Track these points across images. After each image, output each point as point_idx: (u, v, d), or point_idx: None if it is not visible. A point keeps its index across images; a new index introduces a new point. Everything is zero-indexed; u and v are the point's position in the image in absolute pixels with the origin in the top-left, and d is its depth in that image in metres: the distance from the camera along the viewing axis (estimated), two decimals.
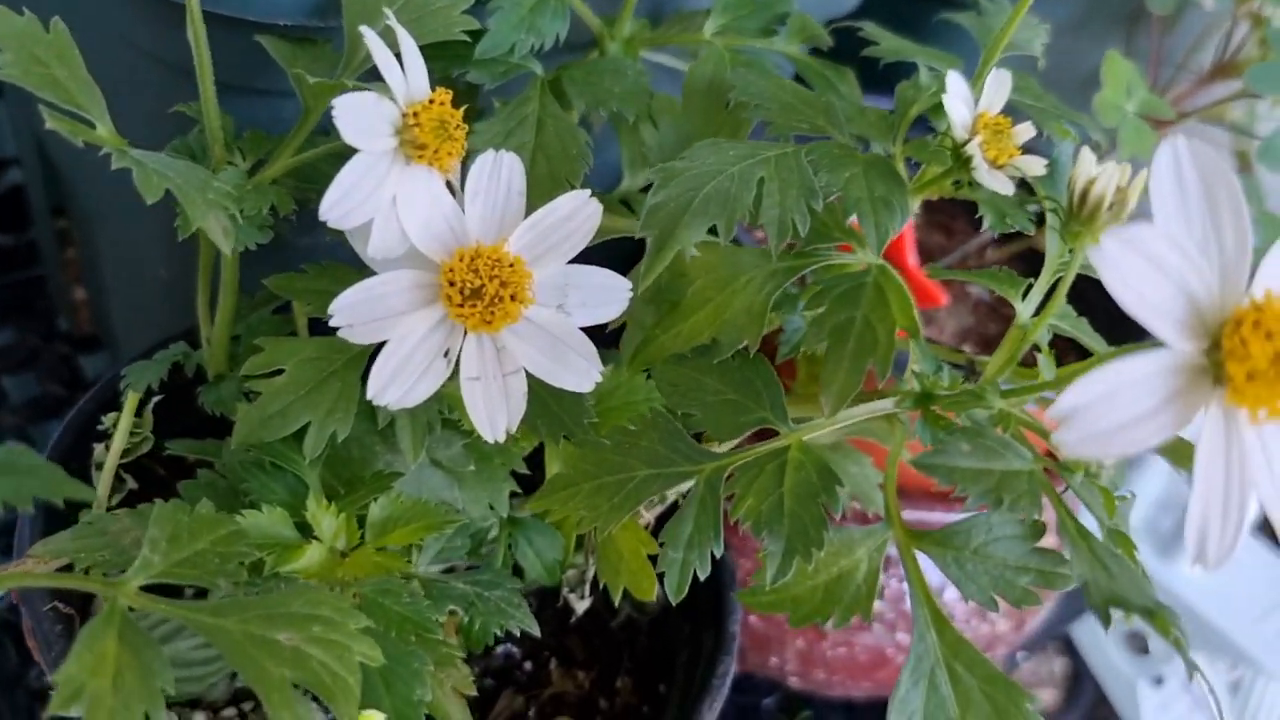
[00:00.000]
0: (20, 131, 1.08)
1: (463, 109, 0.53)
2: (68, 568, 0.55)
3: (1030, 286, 0.57)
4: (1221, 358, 0.38)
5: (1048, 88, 0.70)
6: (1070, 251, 0.50)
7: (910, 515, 0.82)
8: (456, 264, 0.52)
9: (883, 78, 0.76)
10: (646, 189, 0.77)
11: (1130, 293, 0.37)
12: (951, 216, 1.03)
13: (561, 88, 0.65)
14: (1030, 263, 0.99)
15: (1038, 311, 0.56)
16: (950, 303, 0.93)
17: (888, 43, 0.66)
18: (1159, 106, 0.84)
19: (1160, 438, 0.38)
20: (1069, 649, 1.21)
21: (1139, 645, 1.20)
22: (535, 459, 0.68)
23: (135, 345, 1.00)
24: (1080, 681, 1.19)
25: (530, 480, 0.68)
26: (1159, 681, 1.18)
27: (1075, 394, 0.38)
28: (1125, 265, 0.37)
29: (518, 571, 0.68)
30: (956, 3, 0.97)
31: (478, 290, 0.52)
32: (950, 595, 0.88)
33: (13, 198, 1.18)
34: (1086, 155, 0.49)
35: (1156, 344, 0.39)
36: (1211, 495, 0.39)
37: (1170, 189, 0.39)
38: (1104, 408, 0.38)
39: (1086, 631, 1.20)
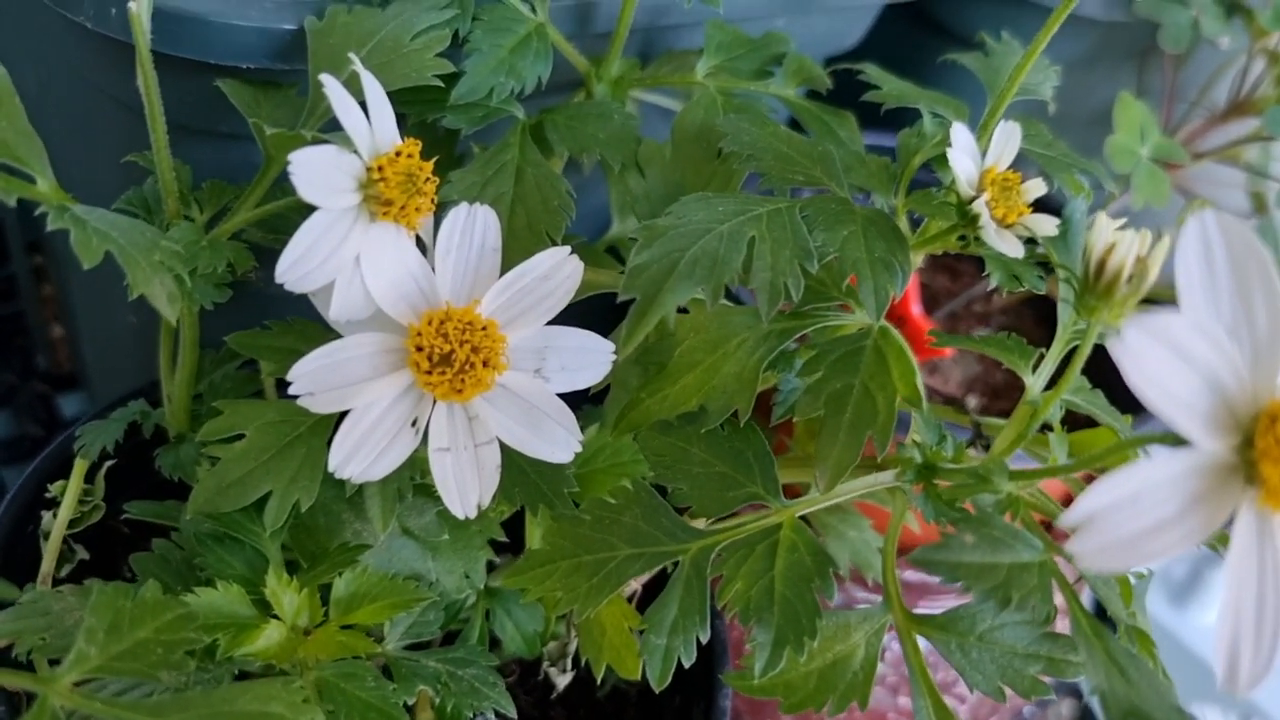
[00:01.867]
0: None
1: (433, 161, 0.50)
2: (7, 650, 0.51)
3: (1041, 357, 0.53)
4: (1254, 456, 0.35)
5: (1055, 125, 0.67)
6: (1086, 323, 0.47)
7: (914, 576, 0.78)
8: (425, 328, 0.49)
9: (885, 115, 0.72)
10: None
11: (1154, 388, 0.33)
12: (957, 258, 0.99)
13: (543, 133, 0.61)
14: (1040, 309, 0.96)
15: (1049, 384, 0.52)
16: (955, 351, 0.90)
17: (890, 86, 0.63)
18: (1173, 150, 0.80)
19: (1186, 546, 0.34)
20: (1075, 692, 1.17)
21: None
22: (514, 523, 0.64)
23: (110, 387, 0.97)
24: None
25: (510, 547, 0.65)
26: None
27: (1093, 499, 0.34)
28: (1149, 358, 0.33)
29: (495, 642, 0.64)
30: (962, 39, 0.94)
31: (447, 356, 0.48)
32: None
33: None
34: (1104, 222, 0.45)
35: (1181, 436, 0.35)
36: (1243, 609, 0.35)
37: (1198, 269, 0.35)
38: (1125, 513, 0.34)
39: None
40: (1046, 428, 0.52)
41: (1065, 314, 0.52)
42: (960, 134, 0.52)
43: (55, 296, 1.08)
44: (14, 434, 1.08)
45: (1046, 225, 0.52)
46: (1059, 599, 0.50)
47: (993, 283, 0.57)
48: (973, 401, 0.89)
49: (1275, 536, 0.35)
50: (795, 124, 0.68)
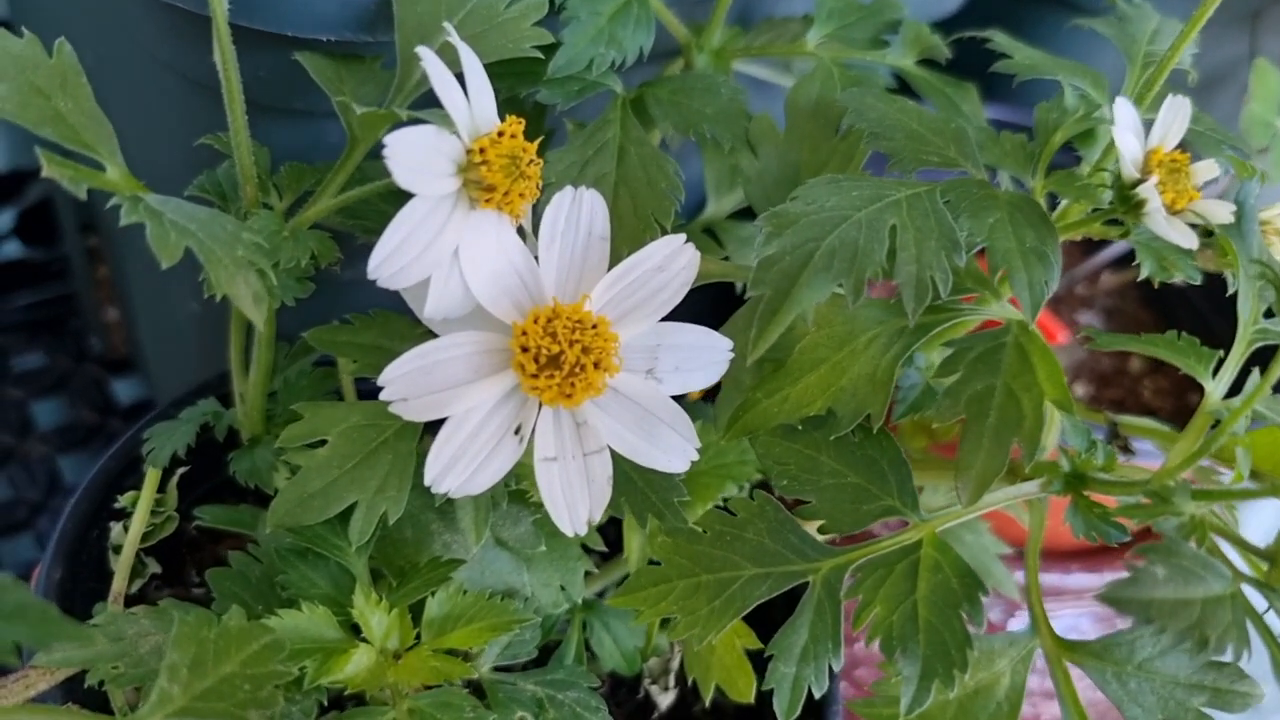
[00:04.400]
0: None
1: (536, 142, 0.45)
2: (78, 678, 0.47)
3: (1221, 361, 0.48)
4: None
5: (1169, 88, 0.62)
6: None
7: (1042, 580, 0.73)
8: (530, 326, 0.44)
9: (995, 89, 0.67)
10: (736, 215, 0.69)
11: None
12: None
13: (645, 108, 0.56)
14: (1147, 291, 0.91)
15: (1231, 391, 0.47)
16: (1065, 336, 0.85)
17: (1021, 56, 0.57)
18: None
19: None
20: None
21: None
22: (610, 525, 0.59)
23: (168, 371, 0.93)
24: None
25: (605, 551, 0.60)
26: None
27: None
28: None
29: (591, 656, 0.60)
30: (1068, 3, 0.88)
31: (555, 358, 0.44)
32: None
33: (42, 210, 1.11)
34: None
35: None
36: None
37: None
38: None
39: None
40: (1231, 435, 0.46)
41: (1246, 310, 0.47)
42: (1124, 109, 0.47)
43: (110, 279, 1.04)
44: (68, 420, 1.05)
45: (1221, 212, 0.47)
46: None
47: (1143, 272, 0.52)
48: (1079, 390, 0.84)
49: None
50: (903, 89, 0.63)
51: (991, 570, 0.64)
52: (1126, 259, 0.51)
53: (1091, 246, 0.89)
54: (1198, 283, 0.51)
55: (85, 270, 1.05)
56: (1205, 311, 0.86)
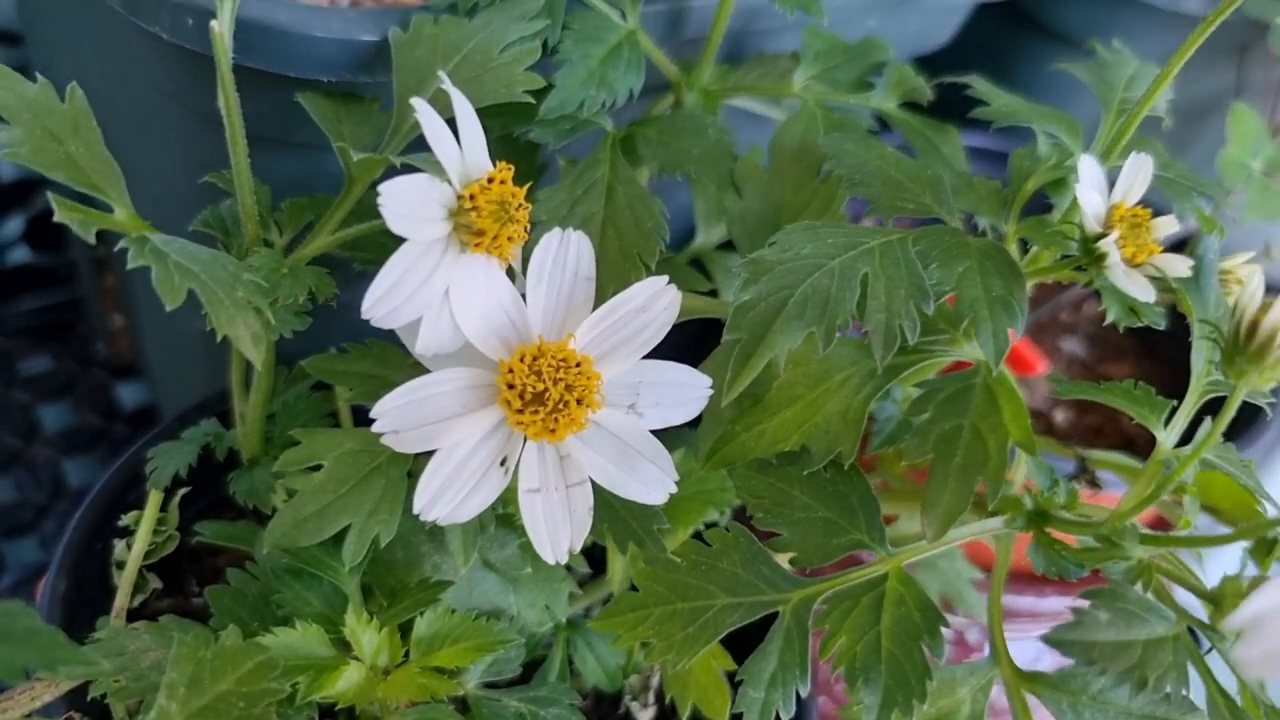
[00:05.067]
0: None
1: (525, 187, 0.47)
2: (80, 690, 0.49)
3: (1174, 410, 0.50)
4: None
5: (1147, 122, 0.63)
6: (1230, 383, 0.43)
7: (1016, 603, 0.75)
8: (517, 365, 0.46)
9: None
10: (724, 246, 0.71)
11: None
12: None
13: (634, 146, 0.58)
14: None
15: (1184, 439, 0.49)
16: (1045, 366, 0.86)
17: (1000, 103, 0.59)
18: None
19: None
20: None
21: None
22: (595, 548, 0.62)
23: (172, 378, 0.95)
24: None
25: (590, 576, 0.62)
26: None
27: (1260, 602, 0.31)
28: None
29: (574, 673, 0.62)
30: (1057, 36, 0.90)
31: (540, 395, 0.46)
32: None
33: (50, 218, 1.12)
34: (1256, 279, 0.42)
35: None
36: None
37: None
38: None
39: None
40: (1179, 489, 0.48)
41: (1199, 364, 0.49)
42: (1089, 167, 0.49)
43: (116, 287, 1.06)
44: (73, 424, 1.07)
45: (1179, 266, 0.49)
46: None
47: (1109, 317, 0.54)
48: (1059, 416, 0.86)
49: None
50: (883, 126, 0.64)
51: (964, 595, 0.66)
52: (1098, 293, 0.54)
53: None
54: (1162, 328, 0.53)
55: (92, 277, 1.07)
56: (1185, 339, 0.88)
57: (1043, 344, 0.89)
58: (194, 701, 0.43)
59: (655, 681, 0.64)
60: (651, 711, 0.64)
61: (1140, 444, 0.85)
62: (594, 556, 0.63)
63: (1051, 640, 0.42)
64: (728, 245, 0.71)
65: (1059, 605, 0.75)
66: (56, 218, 0.41)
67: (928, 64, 0.70)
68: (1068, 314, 0.92)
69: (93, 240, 0.43)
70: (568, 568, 0.60)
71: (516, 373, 0.46)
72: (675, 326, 0.52)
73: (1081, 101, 0.68)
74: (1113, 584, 0.45)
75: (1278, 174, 0.74)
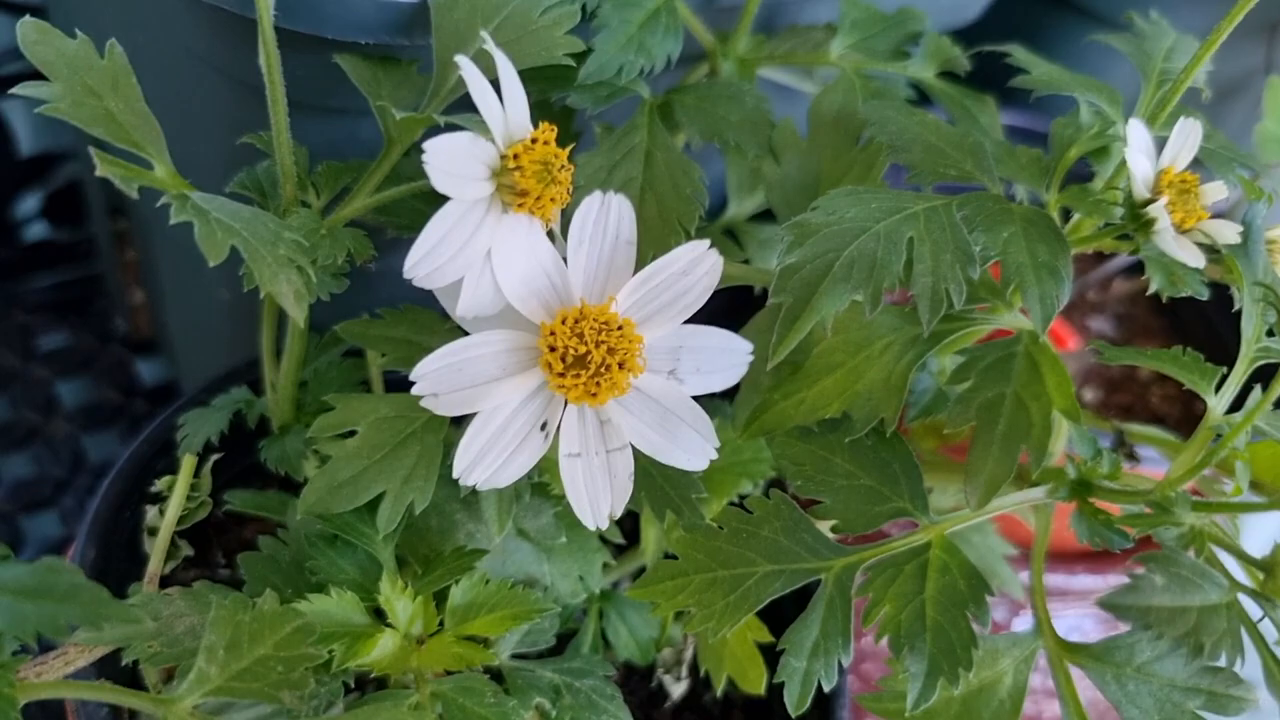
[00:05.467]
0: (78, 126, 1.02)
1: (568, 149, 0.46)
2: (112, 657, 0.49)
3: (1224, 377, 0.49)
4: None
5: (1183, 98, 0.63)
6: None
7: (1047, 581, 0.75)
8: (559, 327, 0.46)
9: (1012, 93, 0.69)
10: (757, 217, 0.70)
11: None
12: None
13: (671, 113, 0.58)
14: (1158, 299, 0.91)
15: (1232, 407, 0.48)
16: (1076, 342, 0.86)
17: (1039, 71, 0.58)
18: None
19: None
20: None
21: None
22: (627, 516, 0.61)
23: (193, 354, 0.95)
24: None
25: (622, 547, 0.62)
26: None
27: None
28: None
29: (606, 645, 0.61)
30: (1087, 12, 0.89)
31: (582, 358, 0.45)
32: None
33: (69, 193, 1.12)
34: None
35: None
36: None
37: None
38: None
39: None
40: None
41: (1249, 329, 0.48)
42: (1137, 131, 0.49)
43: (138, 262, 1.05)
44: (93, 399, 1.06)
45: (1228, 232, 0.48)
46: None
47: (1153, 286, 0.53)
48: (1089, 394, 0.85)
49: None
50: (922, 98, 0.64)
51: (998, 571, 0.65)
52: (1138, 267, 0.53)
53: (1104, 254, 0.90)
54: (1205, 298, 0.53)
55: (112, 252, 1.07)
56: (1215, 319, 0.87)
57: (1071, 322, 0.88)
58: (233, 665, 0.43)
59: (689, 655, 0.64)
60: (685, 685, 0.64)
61: (1170, 423, 0.84)
62: (626, 528, 0.63)
63: (1107, 605, 0.41)
64: (760, 217, 0.70)
65: (1090, 584, 0.75)
66: (98, 172, 0.41)
67: (960, 39, 0.69)
68: (1095, 293, 0.92)
69: (135, 195, 0.42)
70: (603, 539, 0.60)
71: (558, 335, 0.46)
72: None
73: (1113, 80, 0.67)
74: (1166, 550, 0.44)
75: None
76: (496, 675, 0.55)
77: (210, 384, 0.65)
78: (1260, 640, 0.45)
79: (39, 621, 0.35)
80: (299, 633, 0.45)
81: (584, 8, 0.55)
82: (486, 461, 0.47)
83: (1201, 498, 0.47)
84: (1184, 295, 0.73)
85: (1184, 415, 0.87)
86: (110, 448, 1.03)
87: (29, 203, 1.13)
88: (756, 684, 0.58)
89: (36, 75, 0.45)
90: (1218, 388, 0.49)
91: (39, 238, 1.14)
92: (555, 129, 0.46)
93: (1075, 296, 0.90)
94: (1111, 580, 0.56)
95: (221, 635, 0.43)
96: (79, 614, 0.35)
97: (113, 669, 0.50)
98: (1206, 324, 0.88)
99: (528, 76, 0.53)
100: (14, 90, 0.42)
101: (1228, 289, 0.55)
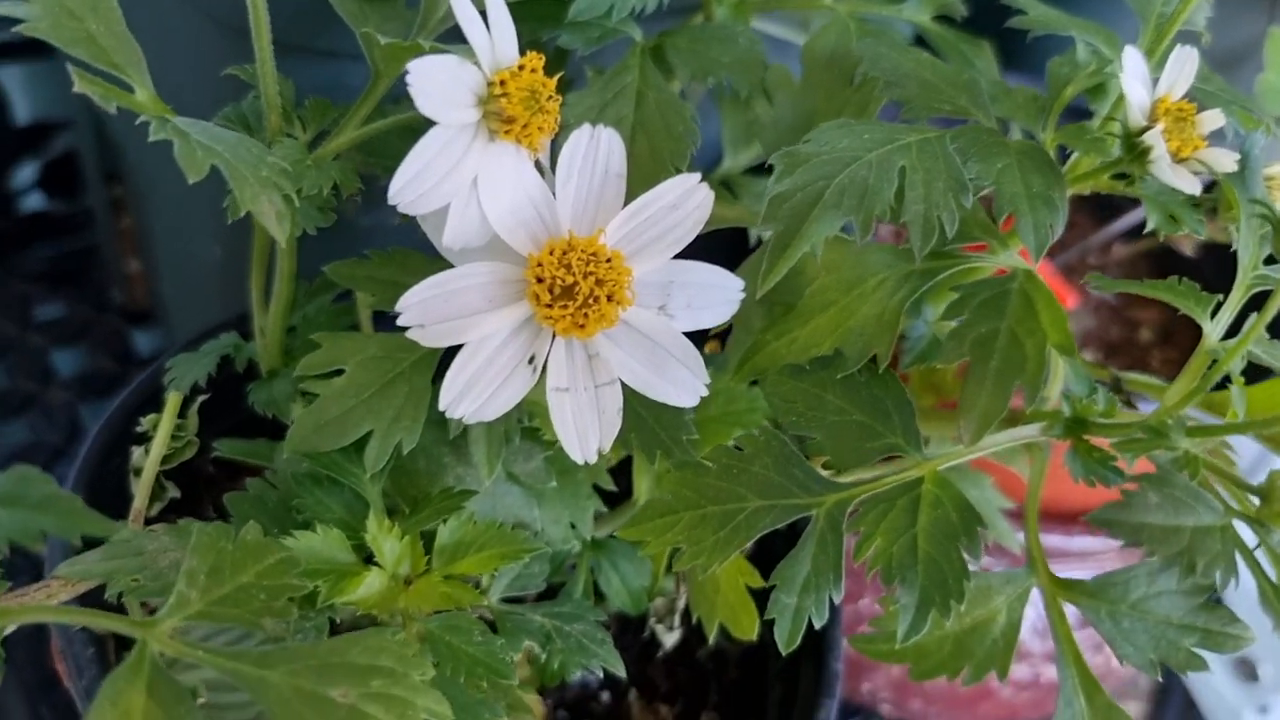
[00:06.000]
0: (74, 95, 1.01)
1: (556, 78, 0.46)
2: (98, 591, 0.48)
3: (1220, 305, 0.49)
4: None
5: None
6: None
7: (1044, 542, 0.74)
8: (546, 258, 0.45)
9: (1010, 53, 0.68)
10: (752, 170, 0.70)
11: None
12: (1074, 207, 0.94)
13: (664, 56, 0.57)
14: (1160, 262, 0.91)
15: (1228, 334, 0.48)
16: (1073, 303, 0.85)
17: (1036, 13, 0.58)
18: None
19: None
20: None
21: (1248, 673, 1.11)
22: (620, 470, 0.60)
23: (188, 323, 0.94)
24: (1169, 694, 1.11)
25: (615, 496, 0.61)
26: (1265, 710, 1.09)
27: None
28: None
29: (598, 596, 0.61)
30: None
31: (570, 289, 0.45)
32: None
33: (65, 163, 1.12)
34: None
35: None
36: None
37: None
38: None
39: None
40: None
41: (1245, 255, 0.48)
42: (1132, 58, 0.48)
43: (133, 230, 1.05)
44: (88, 369, 1.06)
45: (1225, 160, 0.48)
46: None
47: (1150, 224, 0.53)
48: (1088, 356, 0.84)
49: None
50: (919, 43, 0.63)
51: (994, 524, 0.65)
52: (1138, 231, 0.52)
53: (1103, 218, 0.90)
54: (1202, 237, 0.52)
55: (108, 222, 1.07)
56: (1216, 284, 0.87)
57: (1071, 285, 0.88)
58: (214, 590, 0.42)
59: (681, 604, 0.63)
60: (678, 634, 0.64)
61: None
62: (618, 481, 0.62)
63: (1099, 520, 0.41)
64: (755, 170, 0.70)
65: (1088, 544, 0.74)
66: (76, 88, 0.40)
67: None
68: (1095, 257, 0.91)
69: (113, 110, 0.42)
70: (595, 488, 0.59)
71: (546, 266, 0.45)
72: (704, 244, 0.51)
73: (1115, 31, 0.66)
74: (1160, 470, 0.44)
75: None
76: (488, 623, 0.54)
77: (200, 334, 0.64)
78: (1254, 564, 0.44)
79: (11, 528, 0.34)
80: (282, 564, 0.44)
81: None
82: (474, 393, 0.46)
83: (1196, 424, 0.47)
84: (1186, 255, 0.72)
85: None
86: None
87: (25, 173, 1.12)
88: (749, 630, 0.58)
89: (27, 45, 0.44)
90: (1213, 315, 0.48)
91: (35, 208, 1.14)
92: (543, 58, 0.46)
93: (1075, 260, 0.90)
94: (1109, 541, 0.55)
95: (203, 561, 0.42)
96: (52, 522, 0.35)
97: (97, 602, 0.50)
98: (1206, 288, 0.87)
99: (518, 15, 0.52)
100: None
101: (1225, 251, 0.54)
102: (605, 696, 0.65)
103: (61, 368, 1.06)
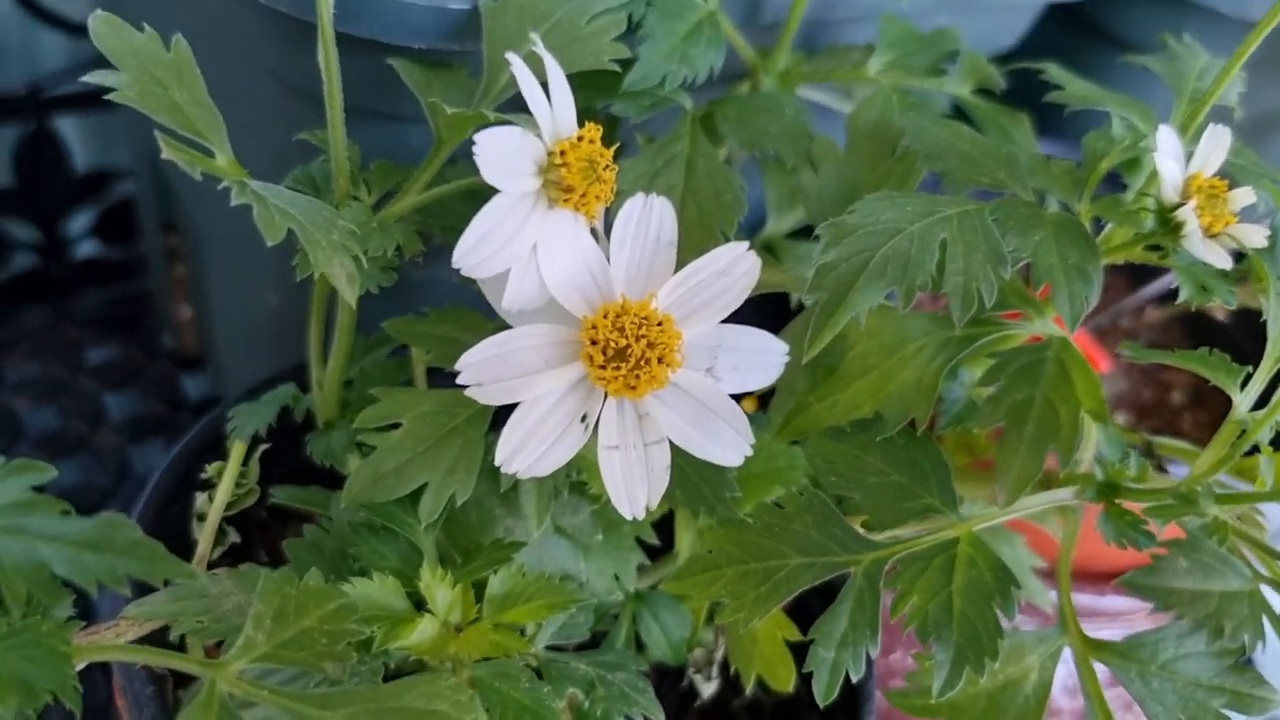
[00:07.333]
0: (135, 143, 1.05)
1: (613, 149, 0.48)
2: (163, 631, 0.50)
3: (1249, 376, 0.50)
4: None
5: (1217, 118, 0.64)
6: None
7: (1076, 601, 0.75)
8: (600, 321, 0.47)
9: (1067, 118, 0.70)
10: (794, 235, 0.72)
11: None
12: (1106, 271, 0.96)
13: (713, 124, 0.60)
14: (1192, 326, 0.92)
15: (1257, 404, 0.49)
16: (1107, 366, 0.87)
17: (1074, 88, 0.60)
18: None
19: None
20: None
21: None
22: (663, 525, 0.62)
23: (239, 369, 0.97)
24: None
25: (657, 549, 0.63)
26: None
27: None
28: None
29: (639, 646, 0.62)
30: (1122, 43, 0.91)
31: (622, 351, 0.47)
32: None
33: (122, 210, 1.15)
34: None
35: None
36: None
37: None
38: None
39: None
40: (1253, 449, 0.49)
41: (1275, 327, 0.50)
42: (1166, 136, 0.50)
43: (186, 278, 1.08)
44: (139, 412, 1.09)
45: (1256, 236, 0.49)
46: None
47: (1182, 295, 0.54)
48: (1120, 419, 0.86)
49: None
50: (959, 116, 0.65)
51: (1026, 583, 0.66)
52: (1171, 295, 0.54)
53: (1137, 281, 0.91)
54: (1233, 307, 0.54)
55: (162, 269, 1.09)
56: (1247, 348, 0.88)
57: (1104, 348, 0.89)
58: (279, 634, 0.44)
59: (719, 656, 0.65)
60: (715, 685, 0.65)
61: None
62: (661, 534, 0.64)
63: (1129, 584, 0.42)
64: (798, 234, 0.72)
65: (1120, 604, 0.75)
66: (164, 155, 0.42)
67: (997, 63, 0.71)
68: (1129, 320, 0.93)
69: (198, 177, 0.44)
70: (638, 542, 0.61)
71: (600, 328, 0.47)
72: (747, 308, 0.53)
73: (1149, 104, 0.68)
74: (1190, 536, 0.45)
75: None
76: (535, 670, 0.56)
77: (258, 385, 0.67)
78: None
79: (99, 571, 0.37)
80: (342, 610, 0.46)
81: (630, 18, 0.57)
82: (528, 450, 0.48)
83: (1225, 492, 0.48)
84: (1218, 319, 0.74)
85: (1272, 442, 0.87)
86: (155, 459, 1.05)
87: (82, 220, 1.16)
88: (785, 682, 0.59)
89: (88, 96, 0.46)
90: (1243, 386, 0.50)
91: (90, 255, 1.17)
92: (601, 128, 0.48)
93: (1108, 324, 0.91)
94: (1140, 602, 0.56)
95: (269, 606, 0.44)
96: (136, 566, 0.37)
97: (161, 643, 0.52)
98: (1237, 351, 0.88)
99: (573, 84, 0.55)
100: (85, 77, 0.44)
101: (1259, 317, 0.56)
102: None
103: (113, 411, 1.09)
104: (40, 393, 1.08)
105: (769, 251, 0.70)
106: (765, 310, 0.56)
